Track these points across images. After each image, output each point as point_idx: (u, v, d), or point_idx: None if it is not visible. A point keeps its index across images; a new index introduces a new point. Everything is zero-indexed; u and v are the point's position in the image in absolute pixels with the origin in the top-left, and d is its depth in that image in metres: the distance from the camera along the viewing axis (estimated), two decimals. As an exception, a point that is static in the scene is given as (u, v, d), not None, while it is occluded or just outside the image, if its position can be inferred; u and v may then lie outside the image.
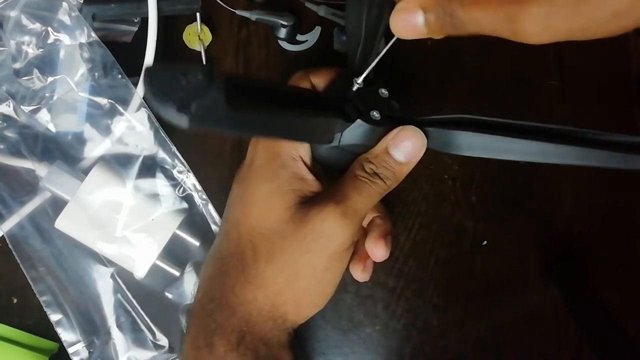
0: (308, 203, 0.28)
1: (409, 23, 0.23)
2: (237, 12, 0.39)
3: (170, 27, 0.38)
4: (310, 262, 0.27)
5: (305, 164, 0.29)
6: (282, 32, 0.39)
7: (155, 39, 0.34)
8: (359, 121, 0.28)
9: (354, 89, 0.29)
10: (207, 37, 0.38)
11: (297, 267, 0.27)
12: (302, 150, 0.29)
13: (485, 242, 0.41)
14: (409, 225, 0.40)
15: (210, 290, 0.29)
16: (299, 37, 0.40)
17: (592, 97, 0.43)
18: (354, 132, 0.28)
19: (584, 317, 0.41)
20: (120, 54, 0.35)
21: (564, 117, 0.42)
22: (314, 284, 0.28)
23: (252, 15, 0.38)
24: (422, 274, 0.40)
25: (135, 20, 0.37)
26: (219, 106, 0.18)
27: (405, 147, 0.28)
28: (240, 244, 0.28)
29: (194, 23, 0.37)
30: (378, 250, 0.31)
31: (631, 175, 0.43)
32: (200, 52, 0.38)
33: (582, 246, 0.42)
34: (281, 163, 0.29)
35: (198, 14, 0.37)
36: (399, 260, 0.40)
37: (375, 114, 0.28)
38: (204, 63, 0.38)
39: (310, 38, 0.40)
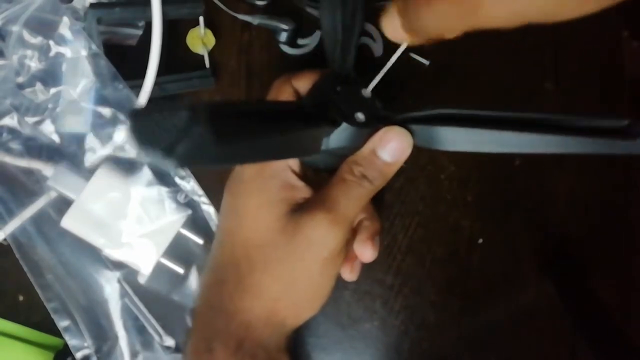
0: (299, 211, 0.28)
1: (392, 27, 0.24)
2: (240, 16, 0.39)
3: (174, 31, 0.38)
4: (306, 268, 0.28)
5: (294, 171, 0.30)
6: (283, 36, 0.39)
7: (159, 42, 0.34)
8: (344, 124, 0.27)
9: (337, 90, 0.29)
10: (210, 40, 0.39)
11: (293, 275, 0.28)
12: (290, 159, 0.30)
13: (481, 241, 0.42)
14: (406, 224, 0.41)
15: (209, 298, 0.30)
16: (300, 41, 0.40)
17: (587, 99, 0.44)
18: (340, 136, 0.28)
19: (580, 315, 0.41)
20: (125, 57, 0.36)
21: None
22: (310, 288, 0.29)
23: (254, 20, 0.39)
24: (420, 271, 0.41)
25: (140, 24, 0.38)
26: (207, 143, 0.17)
27: (392, 148, 0.28)
28: (235, 254, 0.29)
29: (197, 27, 0.38)
30: (366, 252, 0.31)
31: (626, 174, 0.44)
32: (203, 56, 0.38)
33: (577, 245, 0.42)
34: (270, 174, 0.29)
35: (201, 18, 0.37)
36: (397, 258, 0.41)
37: (360, 116, 0.28)
38: (207, 66, 0.39)
39: (310, 42, 0.40)
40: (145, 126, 0.17)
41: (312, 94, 0.30)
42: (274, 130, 0.22)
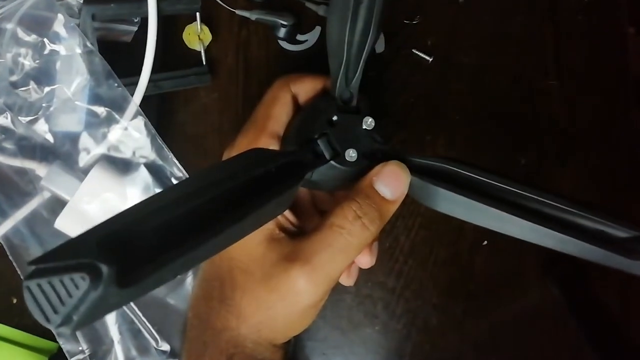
0: (280, 241, 0.27)
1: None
2: (237, 12, 0.39)
3: (170, 27, 0.38)
4: (282, 310, 0.27)
5: None
6: (282, 32, 0.39)
7: (155, 38, 0.34)
8: (332, 163, 0.25)
9: (333, 120, 0.26)
10: (207, 37, 0.38)
11: (270, 312, 0.27)
12: None
13: (485, 243, 0.41)
14: (408, 225, 0.40)
15: (199, 312, 0.29)
16: (299, 37, 0.40)
17: (591, 96, 0.43)
18: (326, 171, 0.26)
19: (583, 316, 0.41)
20: (120, 54, 0.35)
21: (562, 117, 0.43)
22: (290, 324, 0.28)
23: (252, 15, 0.38)
24: (422, 273, 0.40)
25: (135, 20, 0.37)
26: (110, 297, 0.15)
27: (391, 182, 0.25)
28: (221, 270, 0.29)
29: (193, 23, 0.38)
30: (364, 259, 0.30)
31: (627, 175, 0.43)
32: (200, 53, 0.38)
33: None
34: None
35: (198, 13, 0.37)
36: (398, 261, 0.40)
37: (352, 154, 0.25)
38: (204, 63, 0.38)
39: (310, 38, 0.40)
40: (39, 296, 0.15)
41: (301, 130, 0.27)
42: (216, 227, 0.18)
